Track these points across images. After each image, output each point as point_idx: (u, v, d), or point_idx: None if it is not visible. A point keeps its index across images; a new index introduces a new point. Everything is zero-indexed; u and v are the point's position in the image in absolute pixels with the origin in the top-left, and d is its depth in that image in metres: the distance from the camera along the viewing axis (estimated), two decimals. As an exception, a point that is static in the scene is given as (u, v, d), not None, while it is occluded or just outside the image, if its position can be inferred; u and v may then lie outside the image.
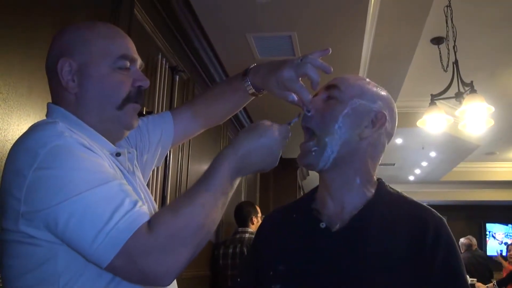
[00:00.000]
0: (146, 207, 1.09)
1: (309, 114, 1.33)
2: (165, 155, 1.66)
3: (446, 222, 1.26)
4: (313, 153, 1.30)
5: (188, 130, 1.64)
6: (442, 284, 1.16)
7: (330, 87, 1.36)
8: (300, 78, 1.33)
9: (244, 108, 5.69)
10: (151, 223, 1.02)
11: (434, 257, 1.17)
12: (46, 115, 1.28)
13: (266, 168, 1.24)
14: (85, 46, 1.26)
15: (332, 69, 1.32)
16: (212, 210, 1.09)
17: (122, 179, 1.17)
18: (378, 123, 1.31)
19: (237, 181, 1.20)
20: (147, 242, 1.00)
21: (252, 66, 1.51)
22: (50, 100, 1.30)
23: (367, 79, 1.41)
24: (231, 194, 1.17)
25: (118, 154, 1.28)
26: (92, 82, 1.25)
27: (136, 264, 1.00)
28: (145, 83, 1.31)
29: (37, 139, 1.08)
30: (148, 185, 3.03)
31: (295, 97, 1.35)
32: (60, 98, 1.27)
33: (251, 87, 1.51)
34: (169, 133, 1.58)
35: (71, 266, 1.06)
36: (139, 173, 1.40)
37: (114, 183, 1.06)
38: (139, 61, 1.33)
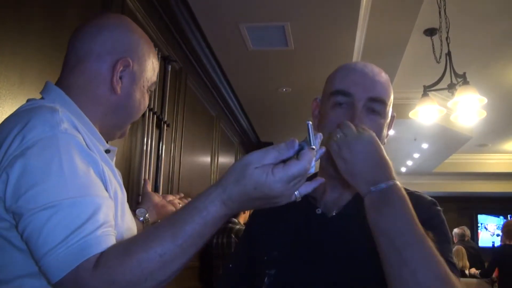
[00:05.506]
0: (112, 229, 1.01)
1: None
2: None
3: (438, 205, 1.28)
4: None
5: None
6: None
7: (375, 100, 1.30)
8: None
9: (238, 100, 5.68)
10: (100, 259, 0.93)
11: (426, 228, 1.16)
12: (42, 93, 1.24)
13: (272, 206, 1.01)
14: (144, 59, 1.32)
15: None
16: (173, 261, 0.95)
17: (112, 177, 1.17)
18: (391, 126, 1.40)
19: (225, 220, 1.00)
20: (88, 281, 0.92)
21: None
22: (41, 89, 1.26)
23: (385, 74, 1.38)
24: (212, 233, 1.00)
25: (107, 151, 1.29)
26: (135, 94, 1.31)
27: None
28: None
29: (32, 127, 1.03)
30: (140, 176, 3.04)
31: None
32: (84, 82, 1.25)
33: None
34: None
35: None
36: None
37: (87, 199, 1.00)
38: None
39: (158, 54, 3.22)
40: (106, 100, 1.26)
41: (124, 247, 0.95)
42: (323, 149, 1.00)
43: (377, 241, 1.04)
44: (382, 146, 1.12)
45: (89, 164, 1.07)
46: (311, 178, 1.40)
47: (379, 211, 1.05)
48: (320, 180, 1.04)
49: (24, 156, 0.99)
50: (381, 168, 1.09)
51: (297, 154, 0.93)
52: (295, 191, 0.97)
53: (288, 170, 0.90)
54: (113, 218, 1.05)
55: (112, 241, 0.98)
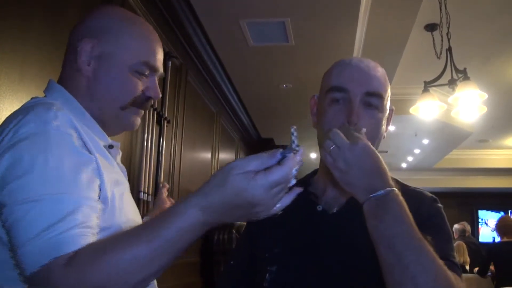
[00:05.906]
0: (91, 231, 0.98)
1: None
2: None
3: (439, 202, 1.29)
4: None
5: None
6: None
7: (372, 95, 1.29)
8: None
9: (238, 96, 5.68)
10: (73, 257, 0.91)
11: (427, 226, 1.15)
12: (45, 91, 1.25)
13: (252, 219, 0.99)
14: (116, 37, 1.24)
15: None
16: (147, 265, 0.92)
17: (112, 171, 1.17)
18: (390, 120, 1.38)
19: (203, 230, 0.96)
20: (58, 279, 0.89)
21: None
22: (42, 86, 1.27)
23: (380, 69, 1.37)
24: (190, 242, 0.96)
25: (111, 146, 1.27)
26: (108, 75, 1.23)
27: None
28: (156, 95, 1.30)
29: (26, 122, 1.04)
30: (141, 172, 3.04)
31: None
32: (70, 76, 1.25)
33: None
34: None
35: None
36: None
37: (67, 196, 0.99)
38: (160, 72, 1.32)
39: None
40: (86, 88, 1.24)
41: (99, 247, 0.93)
42: (301, 162, 0.96)
43: (376, 246, 1.05)
44: (377, 153, 1.11)
45: (79, 163, 1.05)
46: (311, 176, 1.40)
47: (378, 217, 1.05)
48: (297, 190, 1.00)
49: (13, 148, 1.00)
50: (378, 176, 1.09)
51: (280, 162, 0.92)
52: (277, 201, 0.95)
53: (270, 176, 0.89)
54: (96, 220, 1.02)
55: (88, 242, 0.95)
